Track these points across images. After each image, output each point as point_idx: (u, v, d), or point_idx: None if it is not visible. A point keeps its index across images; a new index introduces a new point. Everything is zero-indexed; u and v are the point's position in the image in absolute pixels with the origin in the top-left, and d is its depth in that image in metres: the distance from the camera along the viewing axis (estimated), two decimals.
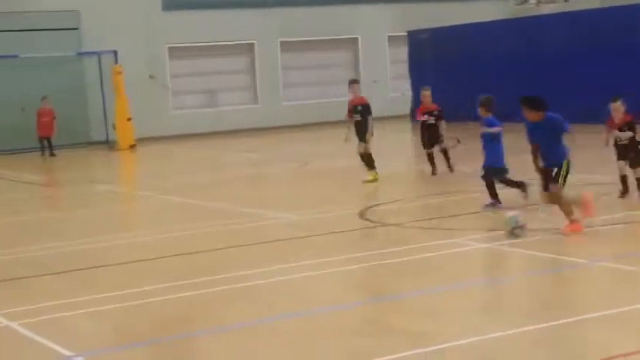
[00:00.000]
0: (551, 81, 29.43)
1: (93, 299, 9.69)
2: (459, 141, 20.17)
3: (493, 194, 13.86)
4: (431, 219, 13.60)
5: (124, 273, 11.23)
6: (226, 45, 36.20)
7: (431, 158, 18.26)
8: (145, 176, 24.29)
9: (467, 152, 19.74)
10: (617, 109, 13.80)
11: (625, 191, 13.87)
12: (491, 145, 13.98)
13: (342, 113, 36.29)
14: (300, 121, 35.96)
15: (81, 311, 9.21)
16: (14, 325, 8.82)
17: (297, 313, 8.85)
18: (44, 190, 21.01)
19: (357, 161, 18.20)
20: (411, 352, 7.31)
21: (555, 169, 11.65)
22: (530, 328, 7.81)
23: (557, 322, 7.93)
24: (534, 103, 11.76)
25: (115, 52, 32.03)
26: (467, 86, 33.16)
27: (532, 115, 11.78)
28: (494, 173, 13.95)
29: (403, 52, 36.90)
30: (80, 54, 32.93)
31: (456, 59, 33.81)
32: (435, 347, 7.42)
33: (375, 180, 17.72)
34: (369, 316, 8.69)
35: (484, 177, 14.00)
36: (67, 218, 16.64)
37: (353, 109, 18.32)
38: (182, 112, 35.18)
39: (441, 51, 34.64)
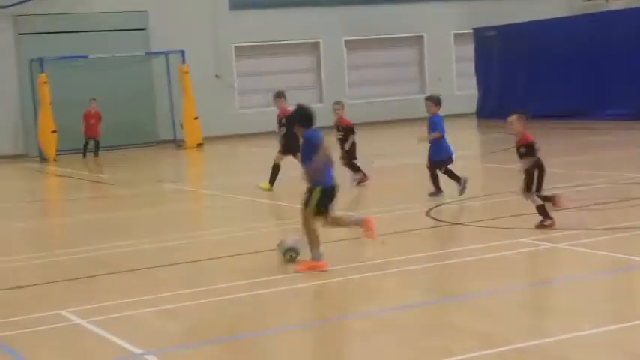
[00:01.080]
0: (619, 77, 29.07)
1: (163, 297, 9.80)
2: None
3: (436, 185, 15.59)
4: (497, 218, 13.50)
5: (192, 271, 11.33)
6: (292, 44, 36.33)
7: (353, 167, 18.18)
8: (212, 175, 24.48)
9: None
10: None
11: None
12: (436, 139, 15.71)
13: (408, 111, 36.55)
14: (365, 120, 35.86)
15: (151, 309, 9.31)
16: (84, 322, 8.93)
17: (364, 312, 8.86)
18: (113, 190, 21.26)
19: (421, 160, 18.12)
20: (481, 353, 7.27)
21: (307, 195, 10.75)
22: (604, 329, 7.72)
23: (632, 323, 7.83)
24: (295, 118, 10.98)
25: (183, 52, 32.33)
26: (533, 84, 32.99)
27: (297, 130, 11.01)
28: (437, 165, 15.66)
29: (469, 50, 36.68)
30: (148, 54, 33.29)
31: (523, 56, 33.49)
32: (504, 348, 7.37)
33: (268, 189, 17.79)
34: (436, 316, 8.67)
35: (429, 168, 15.72)
36: (136, 217, 16.83)
37: (279, 123, 18.65)
38: (248, 111, 35.37)
39: (508, 48, 34.34)
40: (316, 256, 10.67)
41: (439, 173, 15.68)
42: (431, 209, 14.39)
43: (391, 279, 10.19)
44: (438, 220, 13.57)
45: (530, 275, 10.12)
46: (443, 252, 11.41)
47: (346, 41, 37.00)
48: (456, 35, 38.37)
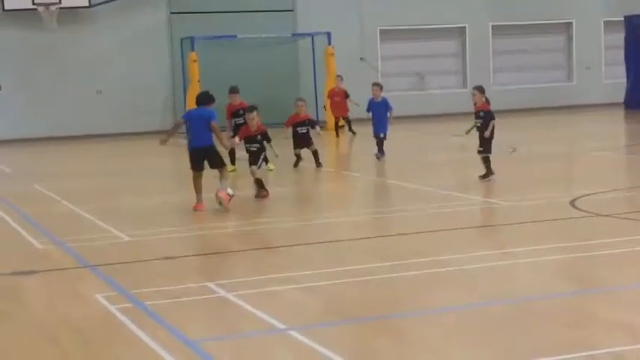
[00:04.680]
0: None
1: (306, 275, 9.97)
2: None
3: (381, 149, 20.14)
4: None
5: (334, 250, 11.48)
6: (437, 28, 36.16)
7: (299, 157, 20.01)
8: (353, 157, 24.65)
9: None
10: None
11: None
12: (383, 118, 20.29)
13: (553, 99, 35.96)
14: (509, 107, 35.50)
15: (295, 286, 9.49)
16: (230, 295, 9.15)
17: (505, 300, 8.84)
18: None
19: (564, 148, 17.88)
20: (626, 348, 7.18)
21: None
22: None
23: None
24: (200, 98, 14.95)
25: (329, 34, 32.56)
26: None
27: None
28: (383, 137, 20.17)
29: (619, 38, 35.79)
30: (295, 35, 33.66)
31: None
32: None
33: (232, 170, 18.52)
34: (579, 306, 8.58)
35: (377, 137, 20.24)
36: (279, 196, 17.13)
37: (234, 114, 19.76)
38: (391, 95, 35.29)
39: None
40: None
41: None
42: (575, 199, 14.19)
43: (533, 268, 10.13)
44: (583, 211, 13.37)
45: None
46: (587, 243, 11.25)
47: (493, 26, 36.59)
48: (606, 22, 37.48)
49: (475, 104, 16.93)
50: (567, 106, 36.54)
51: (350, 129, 28.74)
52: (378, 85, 21.73)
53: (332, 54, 32.18)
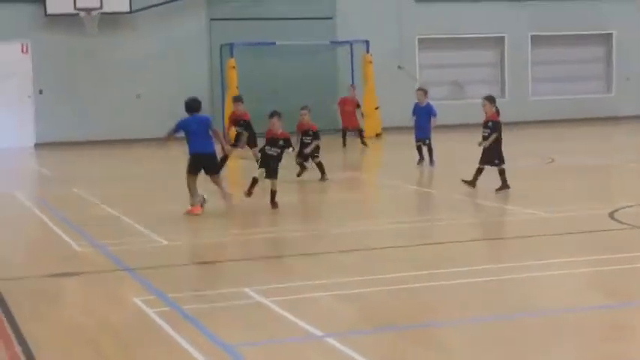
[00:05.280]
0: None
1: (343, 282, 10.00)
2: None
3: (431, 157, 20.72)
4: None
5: (369, 258, 11.51)
6: (476, 37, 36.09)
7: (302, 167, 19.32)
8: (390, 165, 24.63)
9: None
10: None
11: None
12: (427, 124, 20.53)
13: (593, 110, 35.74)
14: (547, 117, 35.40)
15: (331, 293, 9.53)
16: (266, 301, 9.19)
17: (540, 311, 8.81)
18: (293, 174, 21.68)
19: (603, 160, 17.78)
20: None
21: None
22: None
23: None
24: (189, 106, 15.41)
25: (367, 42, 32.61)
26: None
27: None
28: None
29: None
30: (333, 43, 33.73)
31: None
32: None
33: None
34: (615, 320, 8.54)
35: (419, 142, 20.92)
36: (315, 202, 17.19)
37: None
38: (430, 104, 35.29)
39: None
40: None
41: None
42: (614, 211, 14.11)
43: (570, 280, 10.09)
44: (622, 223, 13.30)
45: None
46: (625, 256, 11.19)
47: (532, 36, 36.45)
48: None
49: (486, 114, 16.86)
50: (606, 117, 36.33)
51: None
52: (422, 90, 21.76)
53: (370, 62, 32.23)
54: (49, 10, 31.44)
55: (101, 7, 31.37)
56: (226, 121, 30.68)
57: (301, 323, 8.40)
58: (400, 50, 34.93)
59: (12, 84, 31.74)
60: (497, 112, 16.76)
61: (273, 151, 15.67)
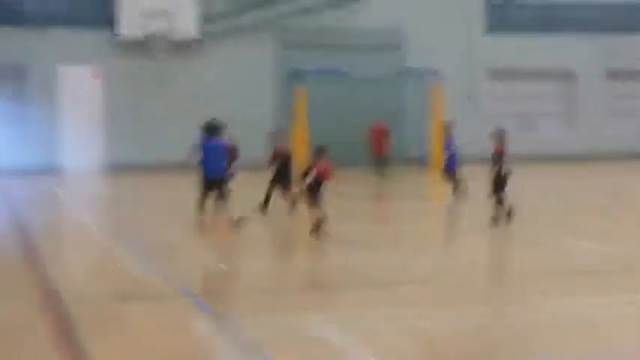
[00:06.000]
0: None
1: (409, 315, 9.81)
2: None
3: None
4: None
5: (439, 292, 11.28)
6: (545, 70, 35.74)
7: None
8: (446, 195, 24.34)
9: None
10: None
11: None
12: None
13: None
14: (620, 151, 34.88)
15: (396, 325, 9.35)
16: (332, 332, 9.02)
17: (608, 354, 8.56)
18: (360, 203, 21.58)
19: None
20: None
21: None
22: None
23: None
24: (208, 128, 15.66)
25: (435, 72, 32.47)
26: None
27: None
28: None
29: None
30: (402, 72, 33.62)
31: None
32: None
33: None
34: None
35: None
36: (380, 231, 17.01)
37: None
38: None
39: None
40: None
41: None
42: None
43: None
44: None
45: None
46: None
47: (604, 70, 35.99)
48: None
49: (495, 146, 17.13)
50: None
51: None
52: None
53: (438, 92, 32.06)
54: (121, 37, 31.83)
55: (171, 33, 31.67)
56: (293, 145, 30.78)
57: (368, 356, 8.24)
58: (469, 81, 34.72)
59: (83, 108, 32.16)
60: (502, 143, 16.95)
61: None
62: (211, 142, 15.71)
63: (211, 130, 15.73)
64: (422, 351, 8.63)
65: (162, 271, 12.40)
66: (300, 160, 29.71)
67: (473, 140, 33.52)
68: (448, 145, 20.47)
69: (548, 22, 35.56)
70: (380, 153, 29.25)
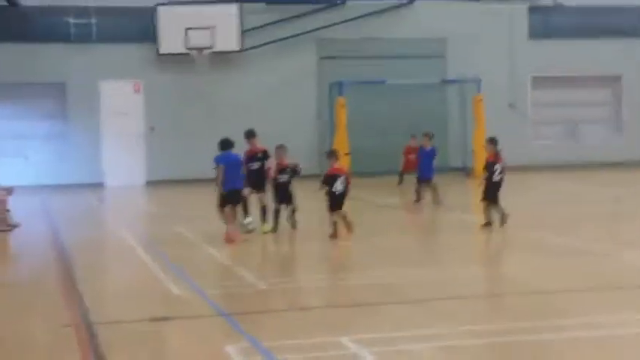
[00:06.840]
0: None
1: (448, 333, 9.51)
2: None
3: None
4: None
5: (479, 307, 11.00)
6: (591, 76, 35.24)
7: (276, 213, 17.59)
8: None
9: None
10: None
11: None
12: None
13: None
14: None
15: (435, 344, 9.07)
16: (364, 352, 8.80)
17: None
18: (399, 214, 21.30)
19: None
20: None
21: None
22: None
23: None
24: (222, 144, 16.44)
25: (479, 81, 32.11)
26: None
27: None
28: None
29: None
30: (444, 81, 33.32)
31: None
32: None
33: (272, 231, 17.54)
34: None
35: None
36: (420, 244, 16.72)
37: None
38: (542, 143, 34.62)
39: None
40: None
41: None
42: None
43: None
44: None
45: None
46: None
47: None
48: None
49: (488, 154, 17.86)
50: None
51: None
52: (427, 135, 23.05)
53: (481, 100, 31.70)
54: (162, 50, 31.87)
55: (212, 46, 31.64)
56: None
57: None
58: (512, 89, 34.32)
59: (125, 122, 32.22)
60: (497, 153, 17.64)
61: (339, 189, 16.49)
62: (227, 156, 16.45)
63: (225, 145, 16.51)
64: None
65: (197, 289, 12.22)
66: (342, 165, 29.47)
67: (519, 150, 33.23)
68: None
69: (592, 28, 35.05)
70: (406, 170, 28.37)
